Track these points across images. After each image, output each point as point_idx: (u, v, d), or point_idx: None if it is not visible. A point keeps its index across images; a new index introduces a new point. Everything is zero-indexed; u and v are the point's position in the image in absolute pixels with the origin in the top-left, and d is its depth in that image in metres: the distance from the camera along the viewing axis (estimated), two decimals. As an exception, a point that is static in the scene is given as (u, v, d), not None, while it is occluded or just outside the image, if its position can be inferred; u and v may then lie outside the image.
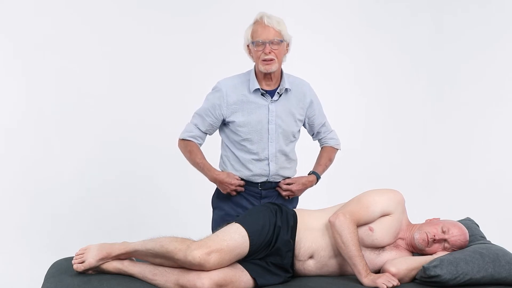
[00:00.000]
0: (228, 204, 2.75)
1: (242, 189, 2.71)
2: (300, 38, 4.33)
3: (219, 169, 2.80)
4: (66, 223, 3.86)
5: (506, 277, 2.33)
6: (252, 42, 2.61)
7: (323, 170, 2.89)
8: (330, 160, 2.93)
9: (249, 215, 2.40)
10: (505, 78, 4.43)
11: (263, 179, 2.72)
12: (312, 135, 2.93)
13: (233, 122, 2.67)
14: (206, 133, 2.77)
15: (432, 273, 2.26)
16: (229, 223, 2.38)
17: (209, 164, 2.74)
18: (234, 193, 2.71)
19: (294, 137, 2.79)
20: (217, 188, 2.81)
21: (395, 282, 2.26)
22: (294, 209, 2.51)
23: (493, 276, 2.31)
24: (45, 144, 3.84)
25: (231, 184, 2.69)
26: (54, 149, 3.85)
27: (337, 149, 2.97)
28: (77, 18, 3.89)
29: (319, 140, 2.94)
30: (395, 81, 4.52)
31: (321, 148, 2.95)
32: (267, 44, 2.57)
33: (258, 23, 2.62)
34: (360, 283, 2.29)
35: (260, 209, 2.45)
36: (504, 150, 4.42)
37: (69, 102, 3.89)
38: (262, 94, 2.67)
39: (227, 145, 2.76)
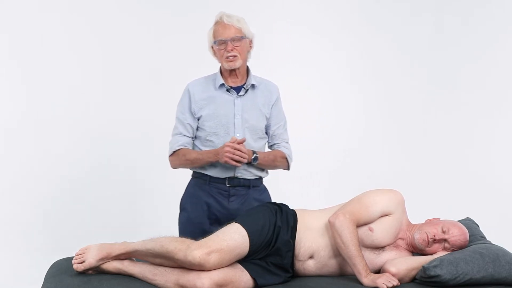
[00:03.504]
0: (195, 204, 2.73)
1: (238, 148, 2.56)
2: (300, 37, 4.35)
3: (190, 171, 2.81)
4: (66, 223, 3.87)
5: (506, 277, 2.33)
6: (215, 42, 2.68)
7: (264, 157, 2.72)
8: (275, 158, 2.78)
9: (249, 215, 2.40)
10: (506, 77, 4.43)
11: (230, 173, 2.69)
12: (268, 140, 2.85)
13: (200, 117, 2.72)
14: (192, 138, 2.77)
15: (432, 273, 2.27)
16: (229, 223, 2.39)
17: (205, 151, 2.70)
18: (231, 155, 2.54)
19: (262, 133, 2.78)
20: (186, 189, 2.81)
21: (395, 282, 2.26)
22: (294, 209, 2.51)
23: (493, 276, 2.31)
24: (46, 145, 3.84)
25: (223, 148, 2.57)
26: (54, 150, 3.86)
27: (286, 159, 2.83)
28: (77, 17, 3.90)
29: (273, 146, 2.86)
30: (395, 81, 4.52)
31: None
32: (229, 42, 2.65)
33: (219, 23, 2.70)
34: (360, 283, 2.29)
35: (260, 209, 2.45)
36: (504, 151, 4.43)
37: (69, 102, 3.89)
38: (228, 90, 2.72)
39: (195, 145, 2.78)
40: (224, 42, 2.65)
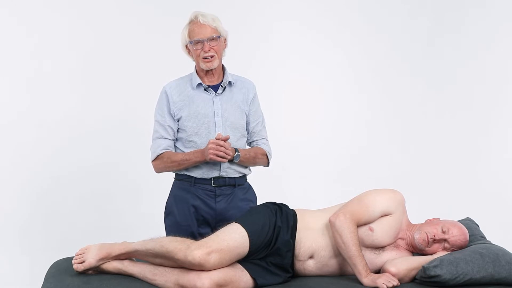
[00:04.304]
0: (182, 207, 2.71)
1: (222, 144, 2.55)
2: (300, 37, 4.35)
3: (173, 174, 2.80)
4: (66, 223, 3.87)
5: (506, 277, 2.33)
6: (190, 42, 2.66)
7: (245, 154, 2.72)
8: (256, 155, 2.78)
9: (249, 215, 2.41)
10: (507, 76, 4.43)
11: (215, 173, 2.69)
12: (247, 137, 2.85)
13: (180, 118, 2.71)
14: (174, 140, 2.75)
15: (432, 273, 2.27)
16: (229, 223, 2.39)
17: (192, 151, 2.68)
18: (217, 152, 2.54)
19: (244, 130, 2.78)
20: (170, 193, 2.80)
21: (395, 282, 2.26)
22: (294, 209, 2.51)
23: (493, 276, 2.31)
24: (45, 144, 3.84)
25: (209, 145, 2.56)
26: (54, 149, 3.85)
27: (266, 155, 2.84)
28: (77, 17, 3.89)
29: (252, 143, 2.86)
30: (396, 81, 4.52)
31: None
32: (205, 42, 2.64)
33: (194, 22, 2.68)
34: (360, 283, 2.29)
35: (260, 209, 2.45)
36: (505, 151, 4.43)
37: (69, 102, 3.89)
38: (205, 89, 2.72)
39: (176, 146, 2.76)
40: (201, 42, 2.64)
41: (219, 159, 2.57)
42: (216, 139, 2.57)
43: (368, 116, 4.47)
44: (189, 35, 2.67)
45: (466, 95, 4.51)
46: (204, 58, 2.65)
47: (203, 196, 2.70)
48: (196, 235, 2.64)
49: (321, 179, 4.35)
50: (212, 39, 2.64)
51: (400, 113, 4.53)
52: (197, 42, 2.64)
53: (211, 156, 2.56)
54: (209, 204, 2.70)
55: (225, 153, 2.57)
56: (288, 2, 4.30)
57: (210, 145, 2.56)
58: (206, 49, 2.63)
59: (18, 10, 3.79)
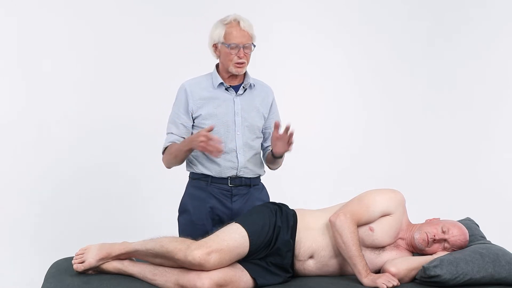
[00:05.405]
0: (198, 206, 2.70)
1: (212, 138, 2.48)
2: (300, 37, 4.35)
3: (187, 172, 2.80)
4: (66, 223, 3.86)
5: (506, 277, 2.33)
6: (227, 44, 2.64)
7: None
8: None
9: (249, 215, 2.41)
10: (507, 76, 4.43)
11: (233, 172, 2.69)
12: (266, 138, 2.87)
13: (199, 115, 2.70)
14: (183, 137, 2.73)
15: (432, 273, 2.27)
16: (229, 223, 2.39)
17: (183, 140, 2.66)
18: (203, 145, 2.47)
19: (260, 132, 2.80)
20: (185, 191, 2.79)
21: (395, 282, 2.26)
22: (294, 209, 2.51)
23: (493, 276, 2.32)
24: (45, 144, 3.84)
25: (197, 137, 2.49)
26: (54, 149, 3.85)
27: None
28: (77, 18, 3.89)
29: (270, 147, 2.83)
30: (396, 81, 4.52)
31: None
32: (241, 48, 2.64)
33: (233, 25, 2.66)
34: (360, 283, 2.29)
35: (260, 209, 2.46)
36: (505, 151, 4.43)
37: (70, 102, 3.88)
38: (227, 89, 2.73)
39: None
40: (237, 47, 2.63)
41: (208, 151, 2.50)
42: (208, 132, 2.48)
43: (368, 116, 4.48)
44: (226, 37, 2.64)
45: (466, 95, 4.51)
46: (236, 63, 2.65)
47: (219, 195, 2.70)
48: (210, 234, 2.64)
49: (321, 179, 4.35)
50: (247, 47, 2.65)
51: (400, 113, 4.53)
52: (233, 47, 2.63)
53: (200, 148, 2.49)
54: (225, 203, 2.70)
55: (214, 147, 2.47)
56: (288, 2, 4.30)
57: (198, 138, 2.47)
58: (241, 55, 2.63)
59: (18, 10, 3.79)
